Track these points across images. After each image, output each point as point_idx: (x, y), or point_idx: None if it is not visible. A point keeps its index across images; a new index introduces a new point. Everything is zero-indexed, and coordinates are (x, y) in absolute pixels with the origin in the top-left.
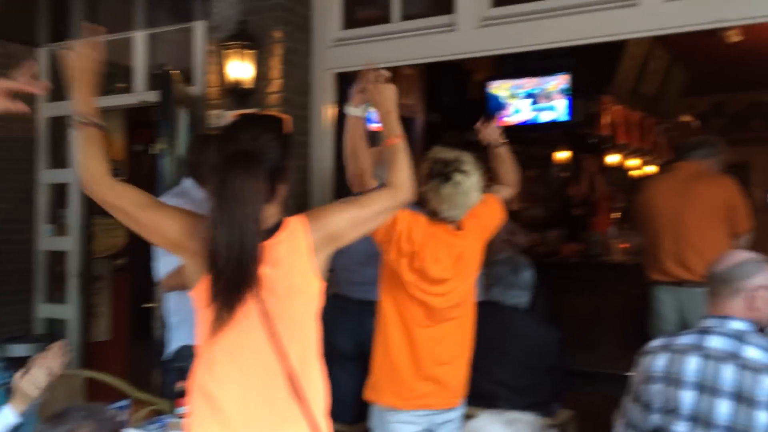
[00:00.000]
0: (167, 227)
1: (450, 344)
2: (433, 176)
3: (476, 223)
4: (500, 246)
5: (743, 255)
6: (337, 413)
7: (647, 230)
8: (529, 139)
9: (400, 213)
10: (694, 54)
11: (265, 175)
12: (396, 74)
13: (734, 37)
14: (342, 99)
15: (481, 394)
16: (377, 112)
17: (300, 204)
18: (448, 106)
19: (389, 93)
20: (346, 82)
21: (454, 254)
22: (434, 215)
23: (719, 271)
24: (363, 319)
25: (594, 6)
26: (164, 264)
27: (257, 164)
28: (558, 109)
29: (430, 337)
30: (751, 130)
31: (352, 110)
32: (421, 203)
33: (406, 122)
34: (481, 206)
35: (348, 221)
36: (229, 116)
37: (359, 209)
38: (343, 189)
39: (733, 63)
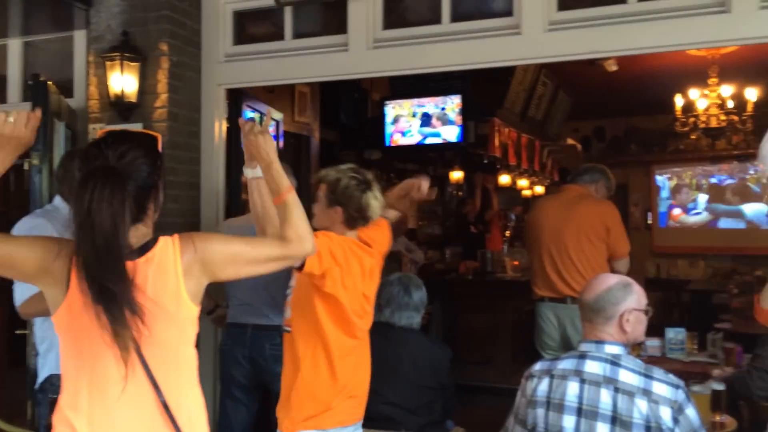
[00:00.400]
0: (25, 257)
1: (363, 362)
2: (354, 187)
3: (377, 247)
4: (403, 264)
5: (611, 280)
6: None
7: (533, 248)
8: (426, 158)
9: (320, 246)
10: (578, 81)
11: (133, 194)
12: (291, 92)
13: (612, 67)
14: (234, 114)
15: (377, 417)
16: (260, 167)
17: (191, 222)
18: (345, 125)
19: (266, 144)
20: (238, 98)
21: (366, 270)
22: (352, 224)
23: (590, 300)
24: (261, 345)
25: (481, 33)
26: (21, 290)
27: (122, 182)
28: (443, 135)
29: (351, 362)
30: (629, 154)
31: (250, 172)
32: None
33: (302, 140)
34: (376, 230)
35: (229, 255)
36: (98, 132)
37: (245, 247)
38: (234, 206)
39: (611, 90)
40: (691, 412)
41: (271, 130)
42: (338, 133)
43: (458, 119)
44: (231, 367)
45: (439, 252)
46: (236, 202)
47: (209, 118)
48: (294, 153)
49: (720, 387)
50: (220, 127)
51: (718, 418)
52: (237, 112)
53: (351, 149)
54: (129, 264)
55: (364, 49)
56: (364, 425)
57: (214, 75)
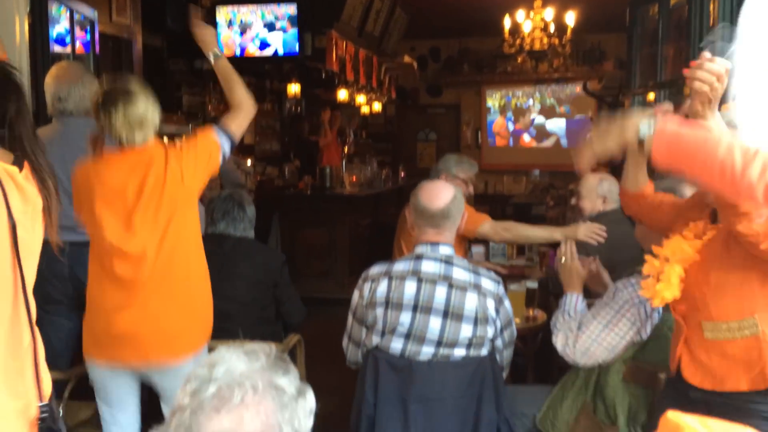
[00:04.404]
0: None
1: None
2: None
3: None
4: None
5: (450, 189)
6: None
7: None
8: (262, 70)
9: None
10: None
11: None
12: None
13: None
14: (39, 10)
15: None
16: None
17: None
18: (172, 31)
19: None
20: None
21: None
22: None
23: (441, 208)
24: (83, 261)
25: None
26: None
27: None
28: (279, 45)
29: None
30: (462, 74)
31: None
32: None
33: (122, 45)
34: None
35: None
36: None
37: None
38: (43, 117)
39: (447, 10)
40: (507, 304)
41: (82, 35)
42: (164, 39)
43: (294, 29)
44: (46, 285)
45: (278, 168)
46: (44, 112)
47: (6, 11)
48: (114, 58)
49: (533, 285)
50: (21, 25)
51: (531, 312)
52: (42, 8)
53: (179, 57)
54: None
55: None
56: None
57: None
